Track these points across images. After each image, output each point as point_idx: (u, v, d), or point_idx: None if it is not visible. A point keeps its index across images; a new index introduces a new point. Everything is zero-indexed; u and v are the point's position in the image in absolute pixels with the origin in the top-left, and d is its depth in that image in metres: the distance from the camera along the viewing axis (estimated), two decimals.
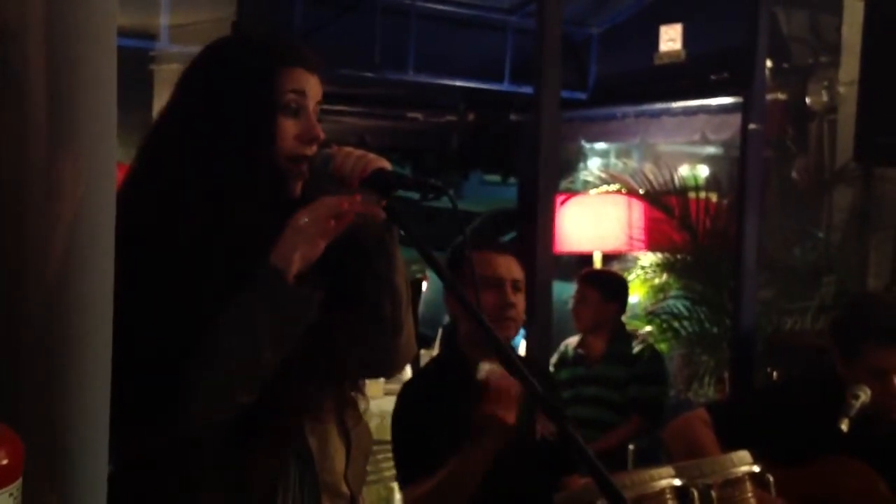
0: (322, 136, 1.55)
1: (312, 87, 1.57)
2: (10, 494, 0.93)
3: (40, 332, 1.02)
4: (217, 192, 1.48)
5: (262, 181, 1.50)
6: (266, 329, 1.44)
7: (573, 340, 4.52)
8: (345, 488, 1.65)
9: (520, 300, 2.51)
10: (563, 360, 4.49)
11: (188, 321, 1.43)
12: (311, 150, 1.55)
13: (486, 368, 2.19)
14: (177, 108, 1.58)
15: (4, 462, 0.92)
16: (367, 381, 3.69)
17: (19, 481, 0.95)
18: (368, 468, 1.77)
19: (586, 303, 4.45)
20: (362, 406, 1.71)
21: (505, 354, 1.43)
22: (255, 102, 1.52)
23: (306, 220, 1.47)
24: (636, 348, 4.46)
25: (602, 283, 4.54)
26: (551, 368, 4.48)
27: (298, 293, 1.46)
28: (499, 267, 2.47)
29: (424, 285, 7.15)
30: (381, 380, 4.08)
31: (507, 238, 8.81)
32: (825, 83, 5.66)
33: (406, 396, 2.51)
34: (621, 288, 4.58)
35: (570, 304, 4.58)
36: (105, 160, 1.07)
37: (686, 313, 5.53)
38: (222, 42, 1.63)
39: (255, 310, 1.44)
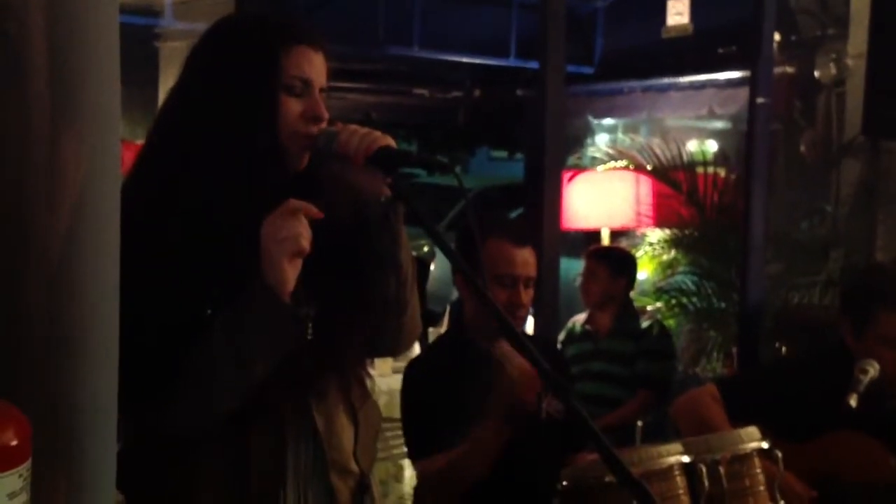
0: (326, 115, 1.55)
1: (317, 65, 1.56)
2: (20, 475, 0.93)
3: (45, 314, 1.02)
4: (219, 172, 1.48)
5: (264, 159, 1.50)
6: (259, 348, 1.44)
7: (581, 317, 4.52)
8: (354, 466, 1.65)
9: (529, 295, 2.48)
10: (571, 336, 4.49)
11: (190, 299, 1.43)
12: (315, 128, 1.54)
13: (504, 349, 2.17)
14: (182, 88, 1.58)
15: (13, 443, 0.92)
16: (376, 359, 3.70)
17: (28, 462, 0.95)
18: (378, 445, 1.77)
19: (595, 278, 4.44)
20: (368, 384, 1.72)
21: (513, 334, 1.42)
22: (257, 82, 1.51)
23: (285, 233, 1.44)
24: (644, 324, 4.46)
25: (610, 258, 4.53)
26: (559, 345, 4.48)
27: (294, 313, 1.46)
28: (516, 265, 2.41)
29: (433, 266, 7.14)
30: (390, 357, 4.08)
31: (513, 214, 8.83)
32: (833, 56, 5.62)
33: (411, 375, 2.51)
34: (630, 263, 4.57)
35: (578, 281, 4.58)
36: (109, 139, 1.06)
37: (694, 289, 5.53)
38: (226, 21, 1.63)
39: (249, 329, 1.44)
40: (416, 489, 2.45)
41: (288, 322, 1.46)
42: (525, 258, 2.44)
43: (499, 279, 2.38)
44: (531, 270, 2.46)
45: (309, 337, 1.51)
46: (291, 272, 1.46)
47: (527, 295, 2.46)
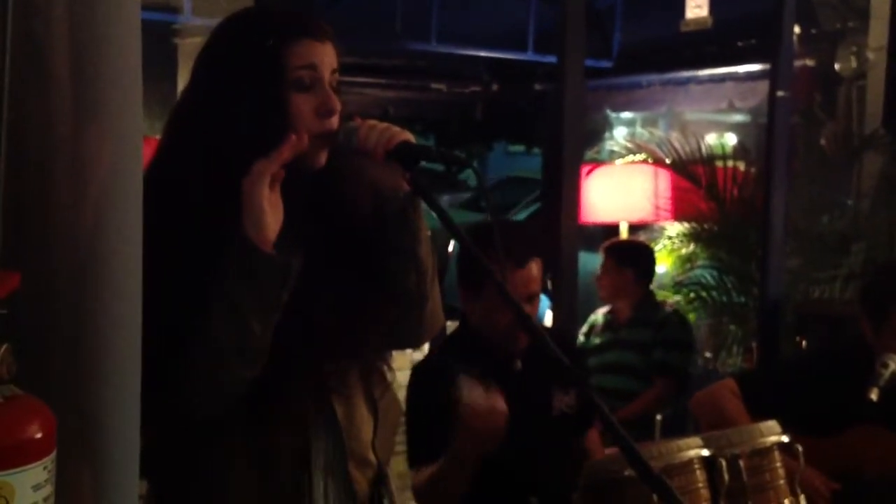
0: (339, 106, 1.54)
1: (324, 56, 1.53)
2: (45, 467, 0.94)
3: (70, 307, 1.03)
4: (230, 172, 1.48)
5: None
6: (248, 301, 1.43)
7: (605, 309, 4.56)
8: (372, 457, 1.66)
9: (532, 310, 2.44)
10: (593, 327, 4.54)
11: (200, 299, 1.43)
12: (331, 122, 1.53)
13: (466, 390, 2.15)
14: (192, 87, 1.58)
15: (38, 436, 0.93)
16: (395, 352, 3.69)
17: (53, 454, 0.96)
18: (396, 438, 1.78)
19: (604, 271, 4.52)
20: (389, 377, 1.72)
21: (532, 329, 1.43)
22: (263, 80, 1.50)
23: (255, 186, 1.44)
24: (664, 313, 4.48)
25: (615, 250, 4.58)
26: (581, 337, 4.53)
27: (274, 260, 1.44)
28: (514, 285, 2.35)
29: (451, 246, 7.07)
30: (408, 351, 4.09)
31: (531, 210, 8.81)
32: (854, 49, 5.58)
33: (417, 378, 2.49)
34: (636, 254, 4.58)
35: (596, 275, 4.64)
36: (131, 134, 1.07)
37: (713, 283, 5.51)
38: (231, 19, 1.61)
39: (234, 283, 1.43)
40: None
41: (268, 269, 1.44)
42: (524, 277, 2.39)
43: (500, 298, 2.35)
44: (533, 287, 2.40)
45: (293, 283, 1.47)
46: (272, 215, 1.44)
47: (529, 310, 2.43)
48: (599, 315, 4.56)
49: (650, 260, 4.64)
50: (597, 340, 4.47)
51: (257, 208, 1.43)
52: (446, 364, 2.44)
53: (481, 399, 2.12)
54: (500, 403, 2.14)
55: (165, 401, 1.40)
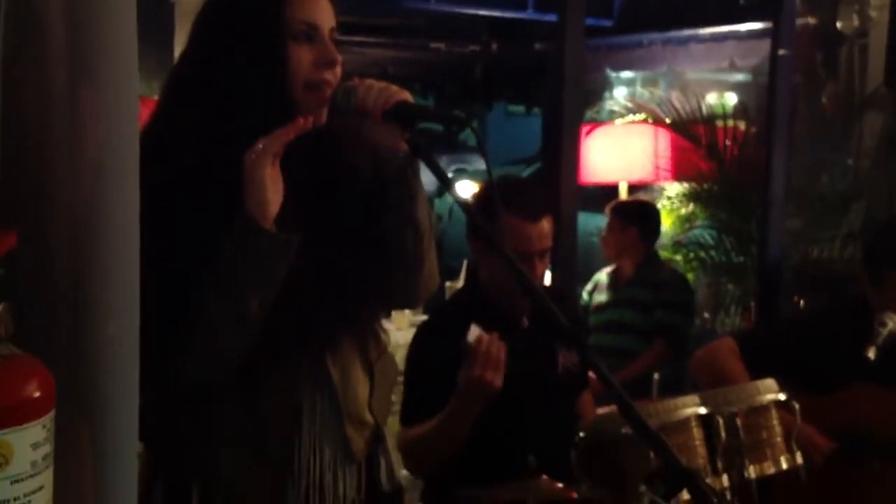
0: (339, 58, 1.54)
1: (324, 11, 1.55)
2: (43, 426, 0.95)
3: (68, 268, 1.03)
4: (229, 128, 1.47)
5: (276, 113, 1.48)
6: (246, 278, 1.43)
7: (610, 267, 4.58)
8: (369, 417, 1.67)
9: (545, 264, 2.46)
10: (597, 286, 4.56)
11: (197, 258, 1.43)
12: (330, 73, 1.53)
13: (475, 333, 2.15)
14: (192, 46, 1.58)
15: (36, 395, 0.94)
16: (393, 312, 3.69)
17: (52, 413, 0.96)
18: (393, 398, 1.79)
19: (609, 230, 4.54)
20: (384, 338, 1.72)
21: (533, 291, 1.43)
22: (263, 34, 1.50)
23: (258, 164, 1.43)
24: (666, 274, 4.50)
25: (620, 209, 4.60)
26: (585, 295, 4.55)
27: (276, 238, 1.44)
28: (532, 240, 2.37)
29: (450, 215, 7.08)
30: (407, 311, 4.10)
31: (532, 169, 8.79)
32: (856, 7, 5.54)
33: (421, 336, 2.50)
34: (640, 213, 4.58)
35: (598, 235, 4.65)
36: (127, 94, 1.07)
37: (712, 243, 5.51)
38: None
39: (234, 260, 1.43)
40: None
41: (270, 248, 1.44)
42: (540, 232, 2.39)
43: (514, 254, 2.35)
44: (547, 242, 2.42)
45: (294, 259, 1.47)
46: (273, 191, 1.44)
47: (542, 265, 2.44)
48: (604, 274, 4.58)
49: (655, 219, 4.64)
50: (599, 298, 4.50)
51: (259, 186, 1.43)
52: (451, 323, 2.44)
53: (488, 340, 2.13)
54: (504, 351, 2.16)
55: (160, 370, 1.39)
